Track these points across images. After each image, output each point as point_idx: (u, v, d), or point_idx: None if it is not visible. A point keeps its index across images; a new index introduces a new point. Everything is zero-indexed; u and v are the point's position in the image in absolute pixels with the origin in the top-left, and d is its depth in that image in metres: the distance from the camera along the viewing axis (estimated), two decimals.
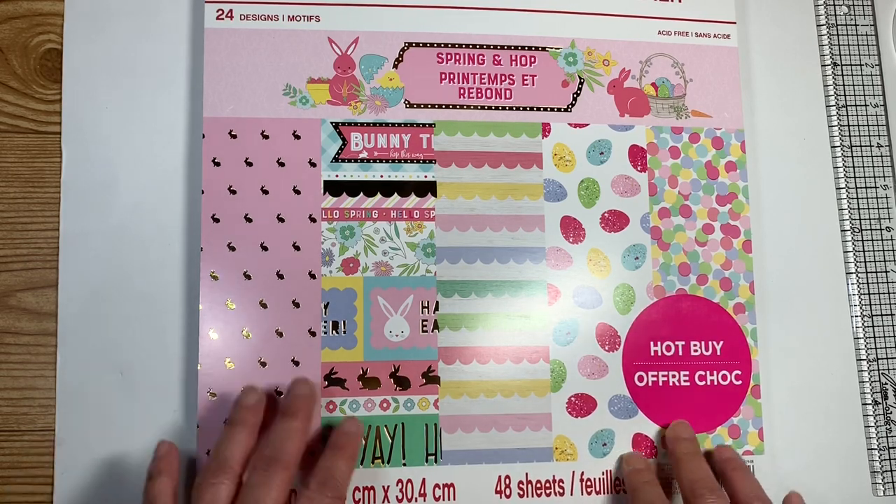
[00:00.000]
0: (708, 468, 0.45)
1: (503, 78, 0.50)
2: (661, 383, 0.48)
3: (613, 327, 0.48)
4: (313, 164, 0.47)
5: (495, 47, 0.50)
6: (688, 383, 0.48)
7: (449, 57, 0.49)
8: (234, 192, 0.47)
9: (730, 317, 0.49)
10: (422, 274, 0.47)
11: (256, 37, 0.48)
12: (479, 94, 0.49)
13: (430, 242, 0.48)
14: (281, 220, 0.47)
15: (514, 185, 0.49)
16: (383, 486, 0.45)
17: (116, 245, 0.47)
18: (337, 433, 0.44)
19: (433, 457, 0.46)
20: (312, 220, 0.47)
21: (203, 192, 0.46)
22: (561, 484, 0.46)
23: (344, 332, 0.46)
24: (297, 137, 0.47)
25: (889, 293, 0.51)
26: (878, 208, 0.52)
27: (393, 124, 0.48)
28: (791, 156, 0.53)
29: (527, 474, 0.46)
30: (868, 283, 0.51)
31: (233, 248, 0.46)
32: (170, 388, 0.46)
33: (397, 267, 0.47)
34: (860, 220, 0.52)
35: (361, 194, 0.48)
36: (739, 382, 0.49)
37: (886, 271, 0.52)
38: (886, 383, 0.50)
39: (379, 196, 0.48)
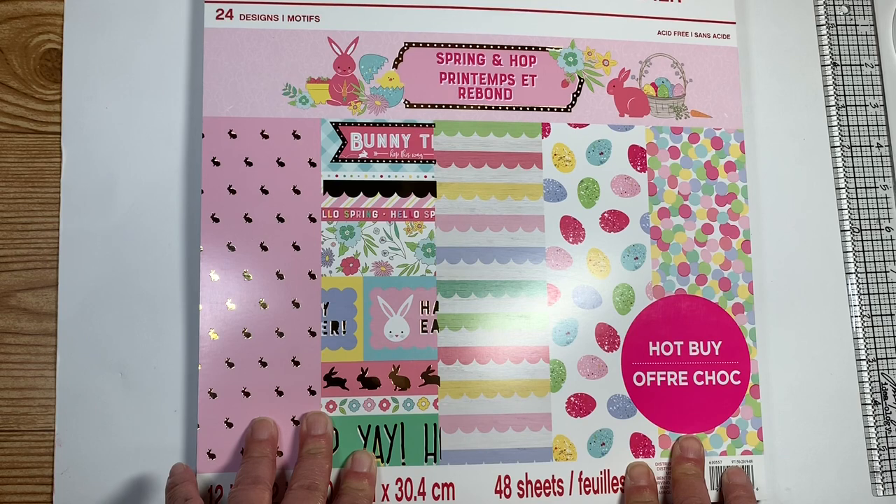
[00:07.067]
0: (706, 493, 0.45)
1: (503, 78, 0.50)
2: (659, 383, 0.48)
3: (613, 327, 0.48)
4: (313, 164, 0.47)
5: (495, 47, 0.50)
6: (686, 383, 0.48)
7: (449, 57, 0.49)
8: (233, 191, 0.47)
9: (729, 317, 0.49)
10: (422, 274, 0.47)
11: (256, 37, 0.48)
12: (479, 94, 0.49)
13: (430, 242, 0.48)
14: (281, 219, 0.47)
15: (513, 185, 0.49)
16: (383, 485, 0.45)
17: (116, 245, 0.47)
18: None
19: (433, 456, 0.46)
20: (312, 219, 0.47)
21: (203, 192, 0.46)
22: (560, 484, 0.47)
23: (344, 332, 0.46)
24: (297, 137, 0.48)
25: (889, 293, 0.51)
26: (878, 208, 0.52)
27: (393, 124, 0.48)
28: (791, 156, 0.53)
29: (526, 474, 0.46)
30: (868, 283, 0.51)
31: (232, 248, 0.46)
32: (170, 388, 0.46)
33: (397, 267, 0.47)
34: (860, 220, 0.52)
35: (361, 194, 0.48)
36: (738, 382, 0.49)
37: (886, 271, 0.52)
38: (886, 383, 0.50)
39: (379, 196, 0.48)
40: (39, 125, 0.48)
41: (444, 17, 0.50)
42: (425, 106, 0.49)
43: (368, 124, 0.48)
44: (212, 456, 0.44)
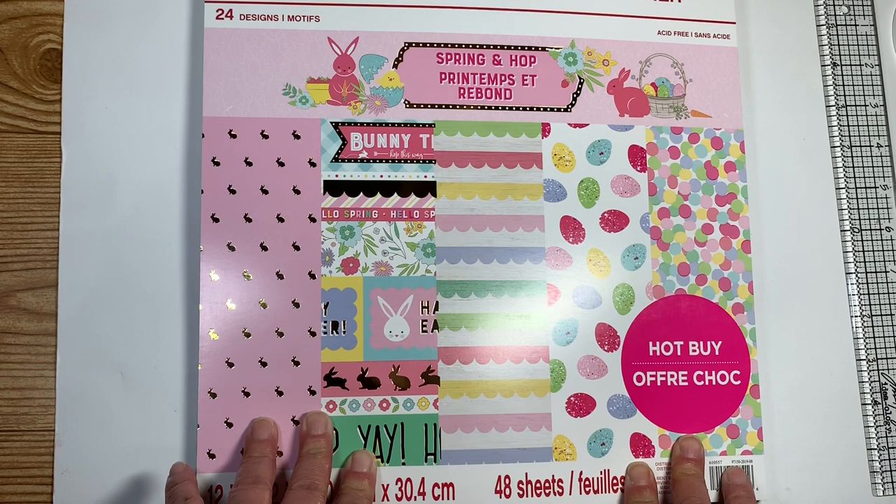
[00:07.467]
0: (706, 493, 0.45)
1: (503, 78, 0.50)
2: (659, 383, 0.48)
3: (613, 327, 0.48)
4: (313, 164, 0.47)
5: (495, 47, 0.50)
6: (686, 383, 0.48)
7: (449, 57, 0.49)
8: (233, 191, 0.47)
9: (729, 317, 0.49)
10: (422, 274, 0.47)
11: (256, 37, 0.48)
12: (479, 94, 0.49)
13: (430, 242, 0.48)
14: (281, 219, 0.47)
15: (513, 185, 0.49)
16: (383, 485, 0.45)
17: (116, 245, 0.47)
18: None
19: (432, 456, 0.46)
20: (312, 219, 0.47)
21: (203, 192, 0.46)
22: (560, 484, 0.47)
23: (344, 332, 0.46)
24: (297, 137, 0.48)
25: (889, 293, 0.51)
26: (878, 208, 0.52)
27: (393, 124, 0.48)
28: (791, 156, 0.53)
29: (526, 474, 0.46)
30: (868, 283, 0.51)
31: (232, 248, 0.46)
32: (170, 388, 0.46)
33: (397, 267, 0.47)
34: (860, 220, 0.52)
35: (361, 194, 0.48)
36: (738, 382, 0.49)
37: (886, 271, 0.52)
38: (886, 383, 0.50)
39: (379, 196, 0.48)
40: (39, 125, 0.48)
41: (444, 17, 0.50)
42: (425, 106, 0.49)
43: (368, 124, 0.48)
44: (212, 456, 0.44)
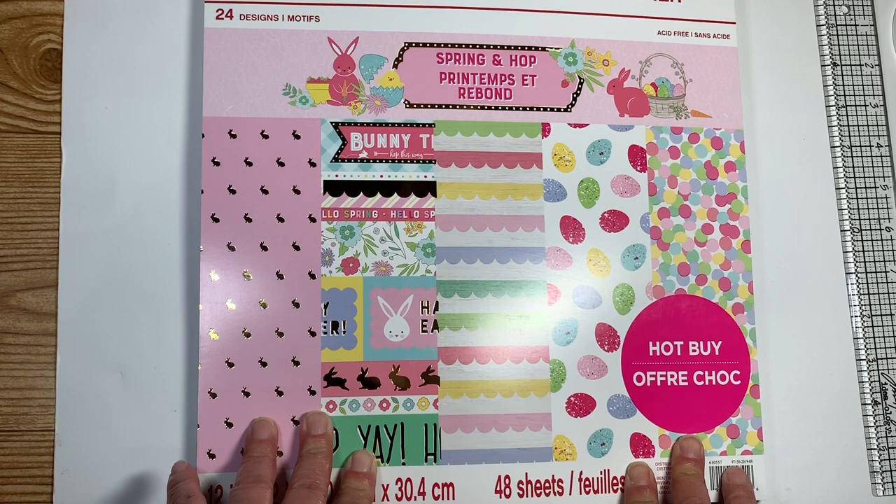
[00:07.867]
0: (706, 493, 0.45)
1: (503, 78, 0.50)
2: (659, 383, 0.48)
3: (613, 327, 0.48)
4: (313, 164, 0.47)
5: (495, 47, 0.50)
6: (686, 383, 0.48)
7: (449, 57, 0.49)
8: (233, 191, 0.47)
9: (729, 317, 0.49)
10: (422, 274, 0.47)
11: (256, 37, 0.48)
12: (479, 94, 0.49)
13: (430, 242, 0.48)
14: (281, 219, 0.47)
15: (513, 185, 0.49)
16: (383, 485, 0.45)
17: (116, 245, 0.47)
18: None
19: (432, 456, 0.46)
20: (312, 219, 0.47)
21: (203, 192, 0.46)
22: (560, 484, 0.47)
23: (344, 332, 0.46)
24: (297, 137, 0.48)
25: (889, 293, 0.51)
26: (878, 208, 0.52)
27: (393, 124, 0.48)
28: (791, 156, 0.53)
29: (526, 474, 0.46)
30: (868, 283, 0.51)
31: (232, 248, 0.46)
32: (170, 388, 0.46)
33: (397, 267, 0.47)
34: (860, 220, 0.52)
35: (361, 194, 0.48)
36: (738, 382, 0.49)
37: (886, 271, 0.52)
38: (886, 383, 0.50)
39: (379, 196, 0.48)
40: (39, 125, 0.48)
41: (444, 17, 0.50)
42: (425, 106, 0.49)
43: (368, 124, 0.48)
44: (212, 456, 0.44)
